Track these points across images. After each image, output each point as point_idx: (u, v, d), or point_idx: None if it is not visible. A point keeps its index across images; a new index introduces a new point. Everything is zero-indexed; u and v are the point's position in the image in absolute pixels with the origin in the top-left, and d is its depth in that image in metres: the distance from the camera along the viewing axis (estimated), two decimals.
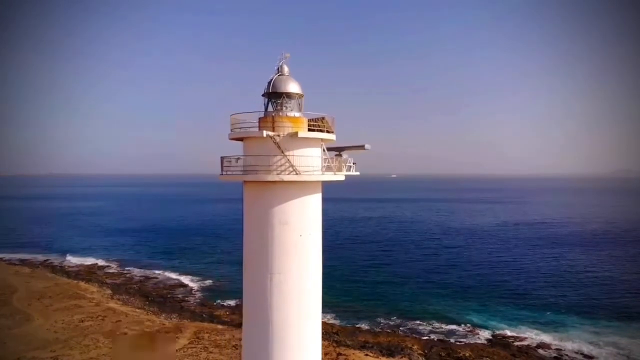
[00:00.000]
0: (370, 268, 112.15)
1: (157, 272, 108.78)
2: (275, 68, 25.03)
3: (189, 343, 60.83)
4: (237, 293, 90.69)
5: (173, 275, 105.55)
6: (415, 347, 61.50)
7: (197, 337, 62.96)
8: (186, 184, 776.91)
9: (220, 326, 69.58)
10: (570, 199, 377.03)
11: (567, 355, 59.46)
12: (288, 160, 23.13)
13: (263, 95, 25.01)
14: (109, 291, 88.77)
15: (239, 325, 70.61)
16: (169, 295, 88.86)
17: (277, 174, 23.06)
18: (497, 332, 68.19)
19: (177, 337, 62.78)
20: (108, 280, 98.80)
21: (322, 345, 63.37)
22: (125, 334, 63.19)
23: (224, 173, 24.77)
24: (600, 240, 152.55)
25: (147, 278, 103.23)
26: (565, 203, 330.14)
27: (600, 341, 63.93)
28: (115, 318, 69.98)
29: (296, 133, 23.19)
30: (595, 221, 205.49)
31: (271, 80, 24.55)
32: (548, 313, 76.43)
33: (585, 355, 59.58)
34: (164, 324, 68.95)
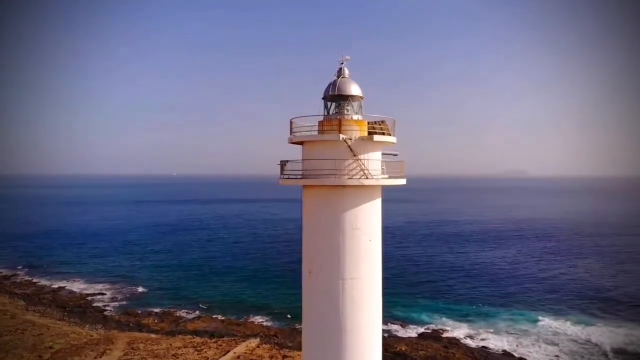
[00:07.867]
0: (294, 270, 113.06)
1: (66, 280, 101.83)
2: (337, 70, 24.59)
3: (123, 355, 57.98)
4: (160, 300, 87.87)
5: (85, 284, 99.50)
6: None
7: (132, 348, 60.19)
8: (108, 185, 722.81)
9: (153, 335, 66.94)
10: (469, 197, 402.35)
11: (492, 343, 64.88)
12: (361, 164, 22.63)
13: (323, 99, 24.49)
14: (22, 302, 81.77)
15: (172, 334, 68.52)
16: (87, 305, 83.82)
17: (349, 178, 22.53)
18: (425, 326, 72.41)
19: (109, 349, 59.76)
20: (17, 291, 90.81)
21: (266, 348, 63.50)
22: (51, 347, 59.18)
23: (284, 177, 24.14)
24: (506, 237, 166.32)
25: (59, 287, 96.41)
26: (467, 201, 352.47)
27: (515, 330, 70.28)
28: (37, 331, 64.87)
29: (371, 137, 22.88)
30: (498, 219, 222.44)
31: (335, 83, 23.95)
32: (467, 305, 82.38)
33: (506, 342, 65.27)
34: (91, 336, 65.16)
